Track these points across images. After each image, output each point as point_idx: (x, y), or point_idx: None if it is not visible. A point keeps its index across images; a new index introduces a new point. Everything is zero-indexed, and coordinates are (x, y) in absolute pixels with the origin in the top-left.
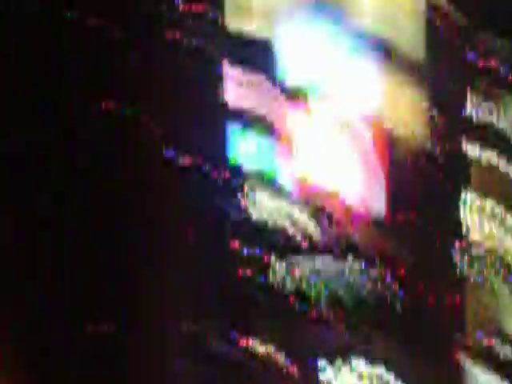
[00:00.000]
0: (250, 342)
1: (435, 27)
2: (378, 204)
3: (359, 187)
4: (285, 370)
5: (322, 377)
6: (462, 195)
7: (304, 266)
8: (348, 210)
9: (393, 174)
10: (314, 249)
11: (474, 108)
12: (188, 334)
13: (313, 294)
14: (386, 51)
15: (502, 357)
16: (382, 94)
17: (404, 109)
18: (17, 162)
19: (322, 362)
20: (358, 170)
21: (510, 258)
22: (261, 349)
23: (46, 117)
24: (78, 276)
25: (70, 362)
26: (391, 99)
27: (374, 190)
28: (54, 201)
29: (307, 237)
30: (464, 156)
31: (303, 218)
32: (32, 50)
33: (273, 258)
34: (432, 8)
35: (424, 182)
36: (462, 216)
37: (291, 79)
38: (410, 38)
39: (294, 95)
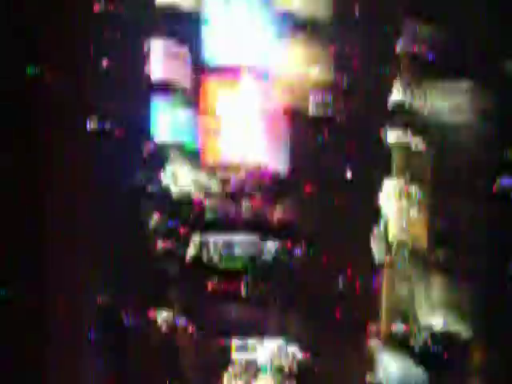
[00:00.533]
0: (164, 314)
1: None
2: (280, 167)
3: (268, 156)
4: (196, 344)
5: (234, 354)
6: (383, 180)
7: (218, 241)
8: (258, 181)
9: (294, 140)
10: (226, 224)
11: (400, 94)
12: (102, 306)
13: (226, 266)
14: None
15: (414, 344)
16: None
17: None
18: None
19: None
20: (269, 140)
21: (419, 244)
22: (172, 321)
23: None
24: None
25: None
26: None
27: (279, 156)
28: None
29: (220, 211)
30: (383, 141)
31: (218, 192)
32: None
33: (189, 231)
34: None
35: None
36: (380, 201)
37: (217, 55)
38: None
39: (218, 71)
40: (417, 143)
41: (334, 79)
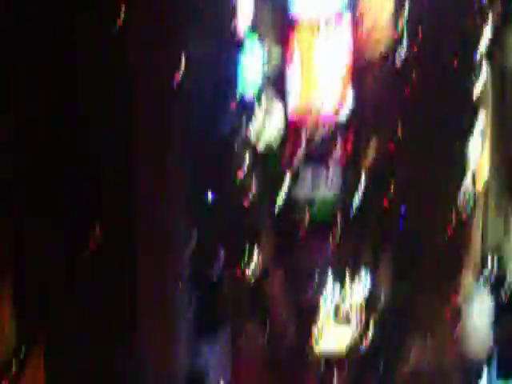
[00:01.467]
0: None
1: None
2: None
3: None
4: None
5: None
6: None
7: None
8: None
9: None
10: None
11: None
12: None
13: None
14: None
15: (506, 287)
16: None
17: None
18: None
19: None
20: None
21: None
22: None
23: None
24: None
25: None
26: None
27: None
28: None
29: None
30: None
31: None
32: None
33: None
34: None
35: None
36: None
37: (303, 6)
38: None
39: (303, 22)
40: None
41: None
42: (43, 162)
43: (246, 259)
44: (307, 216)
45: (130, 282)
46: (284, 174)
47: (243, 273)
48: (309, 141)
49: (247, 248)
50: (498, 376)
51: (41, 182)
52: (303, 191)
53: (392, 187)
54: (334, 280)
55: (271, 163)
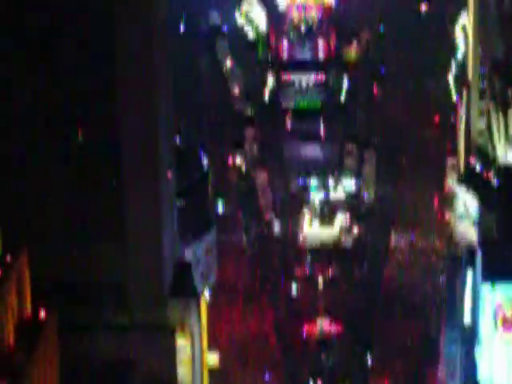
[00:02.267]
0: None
1: None
2: None
3: None
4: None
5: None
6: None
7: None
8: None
9: None
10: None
11: None
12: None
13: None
14: None
15: (492, 178)
16: None
17: None
18: None
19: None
20: None
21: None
22: None
23: None
24: None
25: None
26: None
27: None
28: None
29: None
30: None
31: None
32: None
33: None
34: None
35: None
36: None
37: None
38: None
39: None
40: None
41: None
42: None
43: (236, 150)
44: (294, 103)
45: (117, 176)
46: (272, 61)
47: (233, 165)
48: (296, 28)
49: (237, 139)
50: (484, 279)
51: None
52: (291, 81)
53: (376, 84)
54: (319, 177)
55: (259, 50)
